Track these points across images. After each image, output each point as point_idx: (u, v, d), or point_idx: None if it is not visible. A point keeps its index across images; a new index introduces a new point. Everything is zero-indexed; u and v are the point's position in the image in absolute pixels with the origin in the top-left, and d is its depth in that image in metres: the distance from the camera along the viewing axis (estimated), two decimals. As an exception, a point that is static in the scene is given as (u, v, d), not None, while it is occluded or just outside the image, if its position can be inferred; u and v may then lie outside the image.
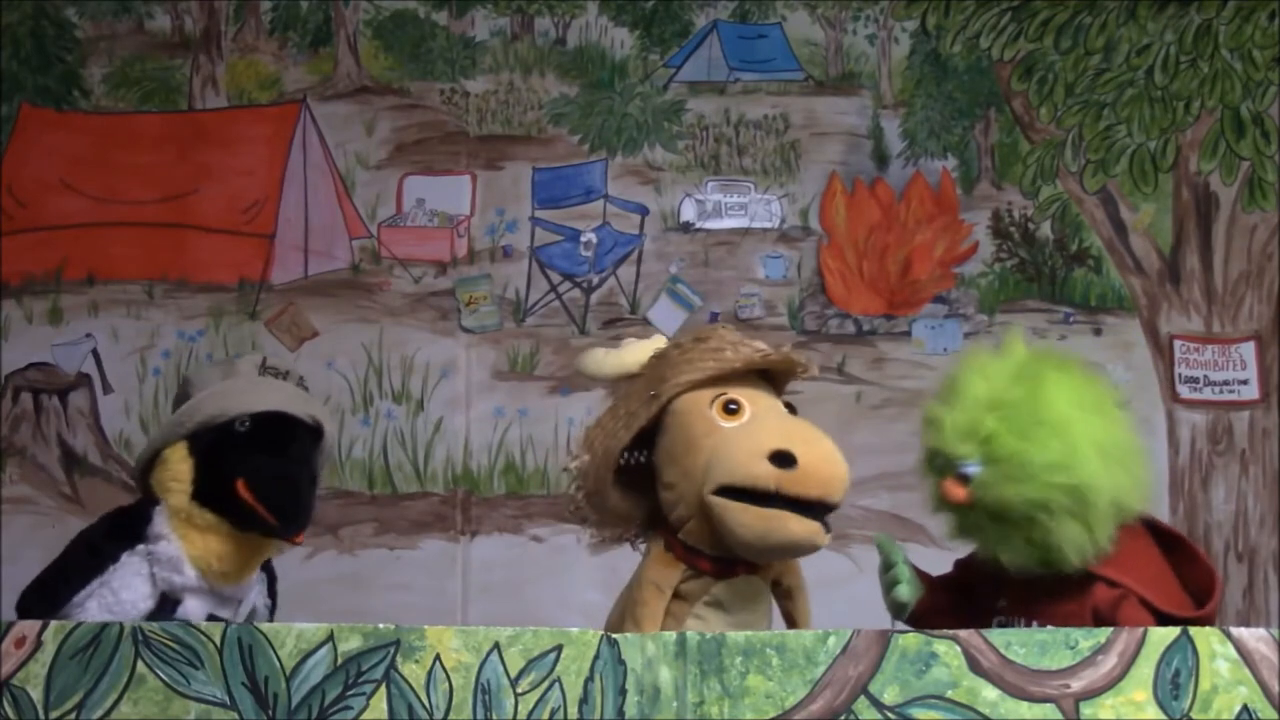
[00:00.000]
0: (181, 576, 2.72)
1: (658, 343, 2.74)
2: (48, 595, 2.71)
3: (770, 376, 2.69)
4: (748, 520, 2.51)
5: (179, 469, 2.75)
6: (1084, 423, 2.57)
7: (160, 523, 2.74)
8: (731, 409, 2.59)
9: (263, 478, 2.71)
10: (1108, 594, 2.57)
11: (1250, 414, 4.51)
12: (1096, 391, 2.66)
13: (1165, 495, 4.43)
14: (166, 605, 2.71)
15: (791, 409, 2.66)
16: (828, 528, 2.54)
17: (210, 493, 2.73)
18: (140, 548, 2.73)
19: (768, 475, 2.50)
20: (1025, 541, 2.56)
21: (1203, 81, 4.57)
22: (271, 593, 2.90)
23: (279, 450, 2.74)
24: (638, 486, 2.67)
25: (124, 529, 2.76)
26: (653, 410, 2.61)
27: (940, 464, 2.62)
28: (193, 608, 2.73)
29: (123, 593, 2.70)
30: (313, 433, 2.82)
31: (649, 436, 2.64)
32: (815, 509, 2.52)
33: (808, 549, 2.55)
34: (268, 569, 2.89)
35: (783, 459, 2.50)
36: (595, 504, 2.67)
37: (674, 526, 2.62)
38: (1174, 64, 4.57)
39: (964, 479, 2.58)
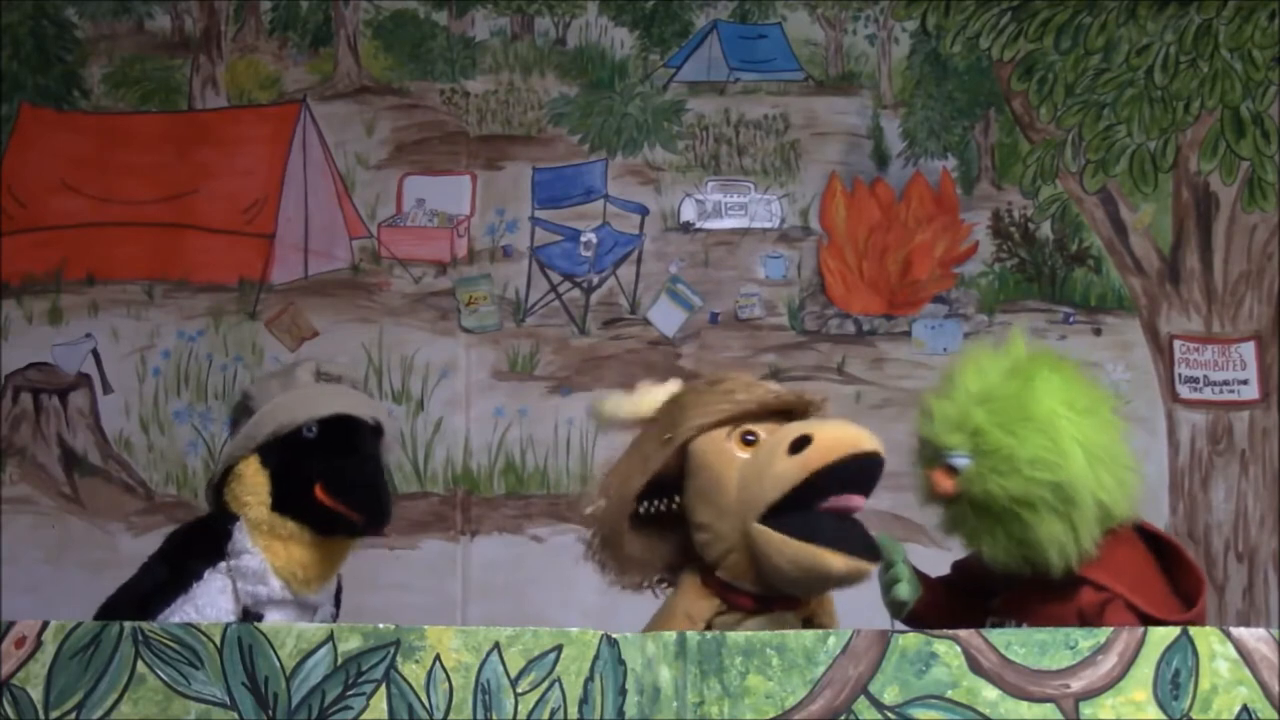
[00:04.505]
0: (267, 588, 2.74)
1: (672, 387, 2.73)
2: (133, 612, 2.69)
3: (788, 415, 2.67)
4: (789, 553, 2.50)
5: (254, 482, 2.77)
6: (1072, 422, 2.58)
7: (241, 537, 2.75)
8: (749, 440, 2.58)
9: (340, 478, 2.73)
10: (1094, 597, 2.57)
11: (1250, 414, 4.51)
12: (1090, 394, 2.66)
13: (1165, 495, 4.44)
14: (249, 620, 2.71)
15: None
16: (873, 558, 2.53)
17: (289, 501, 2.75)
18: (222, 564, 2.75)
19: (792, 467, 2.50)
20: (1008, 537, 2.57)
21: (1203, 81, 4.57)
22: (337, 600, 2.91)
23: (349, 451, 2.77)
24: (658, 534, 2.65)
25: (205, 545, 2.77)
26: (667, 453, 2.60)
27: (930, 454, 2.64)
28: (275, 620, 2.72)
29: (206, 610, 2.71)
30: (374, 432, 2.84)
31: (666, 484, 2.63)
32: (864, 547, 2.51)
33: (850, 583, 2.54)
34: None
35: (798, 444, 2.51)
36: (611, 549, 2.65)
37: (711, 564, 2.60)
38: (1174, 64, 4.57)
39: (951, 470, 2.60)
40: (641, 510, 2.62)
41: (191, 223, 4.57)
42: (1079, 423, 2.58)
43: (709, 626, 2.58)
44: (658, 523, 2.64)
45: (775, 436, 2.57)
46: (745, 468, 2.55)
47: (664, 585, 2.69)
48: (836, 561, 2.49)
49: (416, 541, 4.43)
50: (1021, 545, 2.57)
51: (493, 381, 4.53)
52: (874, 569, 2.55)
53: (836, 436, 2.53)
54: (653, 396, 2.71)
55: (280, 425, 2.77)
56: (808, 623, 2.65)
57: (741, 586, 2.58)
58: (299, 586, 2.76)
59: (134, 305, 4.53)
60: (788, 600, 2.60)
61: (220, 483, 2.82)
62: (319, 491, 2.72)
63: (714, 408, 2.62)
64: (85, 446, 4.49)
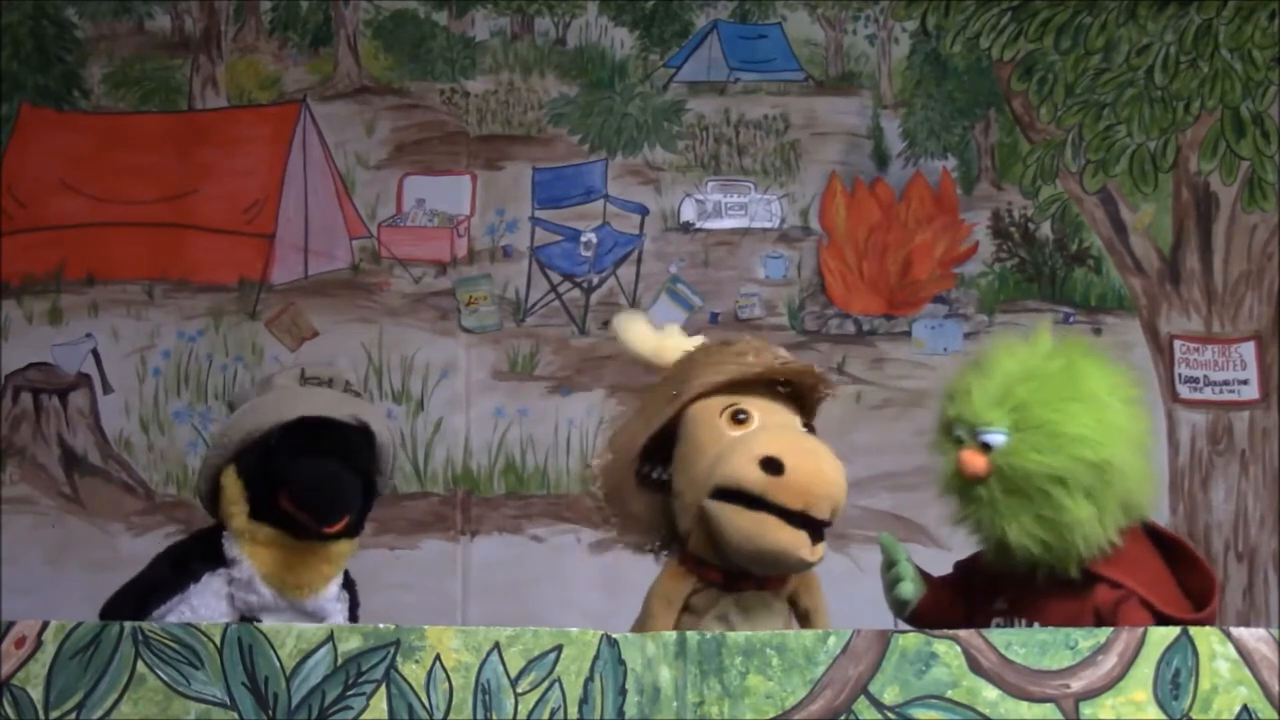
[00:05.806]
0: (258, 596, 2.75)
1: (692, 341, 2.71)
2: (131, 606, 2.73)
3: (798, 398, 2.65)
4: (736, 522, 2.48)
5: (233, 492, 2.78)
6: (1114, 407, 2.58)
7: (230, 546, 2.77)
8: (740, 418, 2.55)
9: (296, 482, 2.72)
10: (1109, 595, 2.57)
11: (1250, 414, 4.51)
12: (1125, 383, 2.67)
13: (1165, 495, 4.43)
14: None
15: (811, 430, 2.62)
16: (818, 539, 2.49)
17: (263, 509, 2.75)
18: (222, 570, 2.77)
19: (754, 479, 2.46)
20: (1035, 519, 2.55)
21: (1203, 81, 4.57)
22: (353, 617, 2.91)
23: (311, 454, 2.74)
24: (663, 497, 2.62)
25: (208, 550, 2.80)
26: (673, 410, 2.58)
27: (960, 434, 2.61)
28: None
29: (200, 609, 2.73)
30: (358, 432, 2.80)
31: (670, 449, 2.61)
32: (807, 522, 2.47)
33: (794, 560, 2.50)
34: (351, 591, 2.91)
35: (771, 465, 2.46)
36: (615, 504, 2.64)
37: (684, 538, 2.59)
38: (1174, 64, 4.57)
39: (985, 448, 2.57)
40: (649, 473, 2.60)
41: (191, 223, 4.57)
42: (1120, 410, 2.59)
43: (687, 605, 2.56)
44: (663, 491, 2.62)
45: (758, 433, 2.53)
46: (724, 447, 2.52)
47: (664, 553, 2.67)
48: (781, 533, 2.46)
49: (416, 541, 4.43)
50: (1049, 528, 2.54)
51: (493, 381, 4.53)
52: (816, 552, 2.50)
53: (802, 485, 2.46)
54: (674, 345, 2.69)
55: (247, 433, 2.77)
56: (791, 603, 2.63)
57: (710, 561, 2.56)
58: (290, 592, 2.76)
59: (134, 305, 4.53)
60: (759, 578, 2.57)
61: (214, 494, 2.83)
62: (282, 498, 2.73)
63: (723, 367, 2.59)
64: (85, 446, 4.49)
